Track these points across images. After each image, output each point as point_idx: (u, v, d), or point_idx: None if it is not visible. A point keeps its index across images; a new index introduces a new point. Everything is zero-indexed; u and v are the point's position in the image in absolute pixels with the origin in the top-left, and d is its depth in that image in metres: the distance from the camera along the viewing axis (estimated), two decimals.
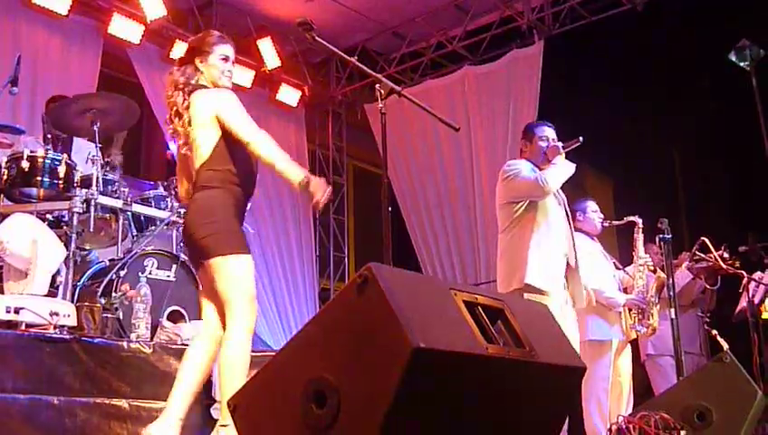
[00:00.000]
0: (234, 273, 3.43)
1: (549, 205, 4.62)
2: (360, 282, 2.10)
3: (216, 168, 3.55)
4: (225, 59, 3.71)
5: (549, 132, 4.80)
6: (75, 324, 4.47)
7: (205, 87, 3.67)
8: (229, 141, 3.57)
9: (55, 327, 4.25)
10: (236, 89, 8.90)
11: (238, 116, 3.55)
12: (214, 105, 3.59)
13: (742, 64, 7.75)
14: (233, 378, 3.39)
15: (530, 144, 4.81)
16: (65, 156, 4.98)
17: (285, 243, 9.39)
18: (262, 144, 3.51)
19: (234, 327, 3.44)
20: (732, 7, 8.55)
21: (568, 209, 4.83)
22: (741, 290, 5.65)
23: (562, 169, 4.60)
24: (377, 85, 3.41)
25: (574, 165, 4.65)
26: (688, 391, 3.85)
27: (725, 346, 4.66)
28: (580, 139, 4.64)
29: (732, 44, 7.76)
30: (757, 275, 5.72)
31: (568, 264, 4.68)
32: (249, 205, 3.73)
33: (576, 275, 4.69)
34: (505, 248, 4.62)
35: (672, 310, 4.93)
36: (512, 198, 4.62)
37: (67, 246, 4.79)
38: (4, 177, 4.82)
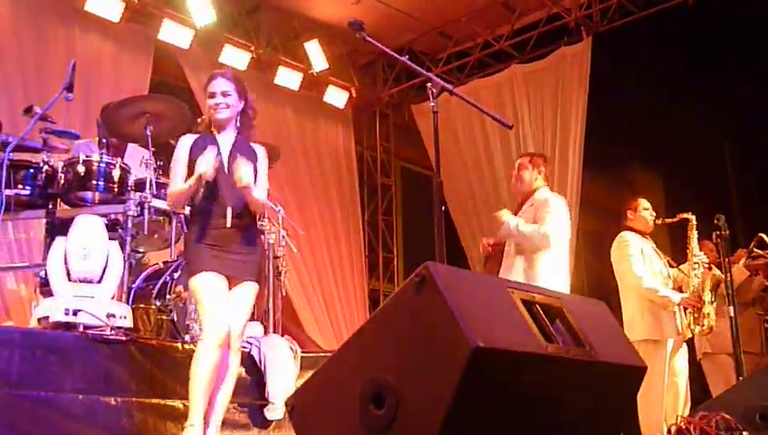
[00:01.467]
0: (195, 294, 3.79)
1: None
2: (417, 281, 2.10)
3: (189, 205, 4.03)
4: (212, 95, 3.91)
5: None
6: (131, 326, 4.53)
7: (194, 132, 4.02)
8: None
9: (112, 329, 4.31)
10: (285, 92, 9.00)
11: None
12: None
13: None
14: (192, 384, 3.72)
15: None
16: (119, 160, 5.06)
17: (335, 243, 9.42)
18: (169, 199, 4.03)
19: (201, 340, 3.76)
20: None
21: None
22: None
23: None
24: (428, 84, 3.40)
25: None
26: (750, 391, 3.77)
27: None
28: None
29: None
30: None
31: None
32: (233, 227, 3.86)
33: None
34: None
35: (731, 308, 4.84)
36: None
37: (122, 248, 4.86)
38: (61, 181, 4.90)
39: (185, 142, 3.91)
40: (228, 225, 3.80)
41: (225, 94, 3.89)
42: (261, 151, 4.03)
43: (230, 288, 3.82)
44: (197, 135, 3.94)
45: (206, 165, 3.69)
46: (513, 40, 9.28)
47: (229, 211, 3.81)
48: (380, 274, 10.15)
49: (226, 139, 3.93)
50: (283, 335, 5.66)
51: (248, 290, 3.89)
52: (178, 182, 3.84)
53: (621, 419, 2.95)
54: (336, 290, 9.27)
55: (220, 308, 3.71)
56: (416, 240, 10.41)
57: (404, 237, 10.68)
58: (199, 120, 4.04)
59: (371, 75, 10.37)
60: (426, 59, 9.77)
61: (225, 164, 3.86)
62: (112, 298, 4.58)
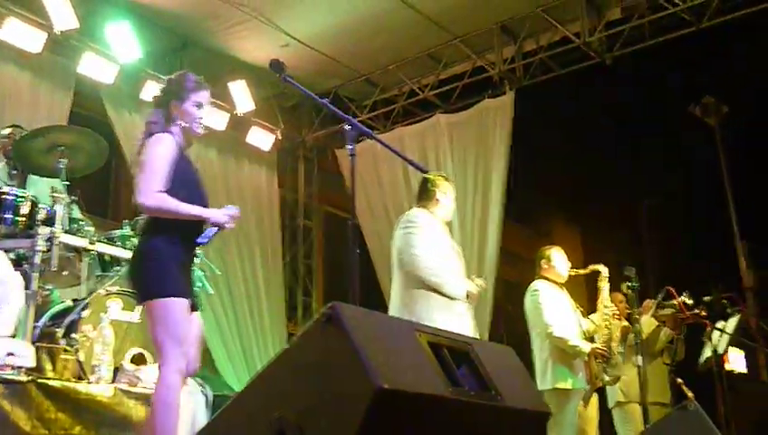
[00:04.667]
0: (162, 317, 3.40)
1: None
2: (323, 321, 2.08)
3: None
4: (199, 106, 3.67)
5: None
6: (33, 366, 4.36)
7: (168, 132, 3.61)
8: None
9: (12, 368, 4.14)
10: (209, 131, 8.90)
11: (146, 168, 3.49)
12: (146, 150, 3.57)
13: (706, 120, 7.94)
14: (161, 421, 3.31)
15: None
16: (29, 193, 4.91)
17: (254, 285, 9.30)
18: (153, 207, 3.46)
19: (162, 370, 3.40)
20: (698, 64, 8.77)
21: None
22: (704, 339, 5.69)
23: None
24: (346, 126, 3.41)
25: None
26: None
27: (690, 395, 4.68)
28: None
29: (697, 100, 7.96)
30: (719, 323, 5.77)
31: None
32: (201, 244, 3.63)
33: None
34: None
35: (639, 357, 4.95)
36: None
37: (28, 284, 4.70)
38: None
39: (172, 141, 3.55)
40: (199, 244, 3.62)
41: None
42: None
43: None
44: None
45: (229, 219, 3.55)
46: (438, 90, 9.45)
47: (205, 232, 3.59)
48: (299, 317, 10.05)
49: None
50: (195, 378, 5.54)
51: (199, 320, 3.68)
52: (160, 182, 3.44)
53: None
54: (254, 333, 9.13)
55: (187, 337, 3.43)
56: (336, 284, 10.38)
57: (324, 281, 10.64)
58: (153, 119, 3.65)
59: (297, 118, 10.38)
60: (352, 105, 9.85)
61: (197, 180, 3.70)
62: (13, 336, 4.41)
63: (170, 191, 3.47)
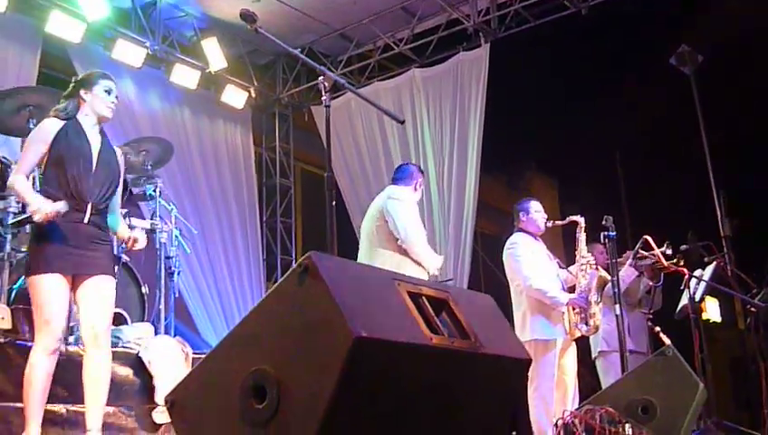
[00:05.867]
0: (32, 294, 3.70)
1: None
2: (300, 271, 2.06)
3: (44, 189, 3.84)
4: (109, 92, 3.96)
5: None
6: (10, 327, 4.33)
7: (73, 117, 3.90)
8: (48, 167, 3.81)
9: None
10: (181, 90, 8.74)
11: (23, 153, 3.92)
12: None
13: (682, 69, 7.92)
14: (25, 397, 3.63)
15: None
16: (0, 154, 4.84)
17: (232, 245, 9.26)
18: (11, 187, 3.93)
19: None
20: (674, 13, 8.74)
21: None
22: (682, 288, 5.73)
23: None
24: (320, 78, 3.36)
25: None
26: (632, 386, 3.89)
27: (668, 342, 4.72)
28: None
29: (673, 49, 7.93)
30: (698, 272, 5.81)
31: None
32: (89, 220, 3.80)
33: None
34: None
35: (617, 306, 4.98)
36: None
37: (2, 246, 4.64)
38: None
39: (50, 126, 3.81)
40: (86, 220, 3.76)
41: (116, 97, 4.01)
42: (119, 153, 4.06)
43: (79, 285, 3.76)
44: (64, 121, 3.84)
45: (44, 214, 3.58)
46: (412, 44, 9.35)
47: (89, 207, 3.76)
48: (278, 276, 10.01)
49: (94, 133, 3.91)
50: (174, 337, 5.52)
51: (105, 285, 3.84)
52: (26, 167, 3.80)
53: (511, 413, 2.98)
54: (233, 292, 9.10)
55: (56, 314, 3.65)
56: (315, 243, 10.35)
57: (303, 240, 10.60)
58: (61, 106, 3.92)
59: (271, 76, 10.25)
60: (326, 60, 9.72)
61: (95, 159, 3.84)
62: None
63: (58, 168, 3.75)
